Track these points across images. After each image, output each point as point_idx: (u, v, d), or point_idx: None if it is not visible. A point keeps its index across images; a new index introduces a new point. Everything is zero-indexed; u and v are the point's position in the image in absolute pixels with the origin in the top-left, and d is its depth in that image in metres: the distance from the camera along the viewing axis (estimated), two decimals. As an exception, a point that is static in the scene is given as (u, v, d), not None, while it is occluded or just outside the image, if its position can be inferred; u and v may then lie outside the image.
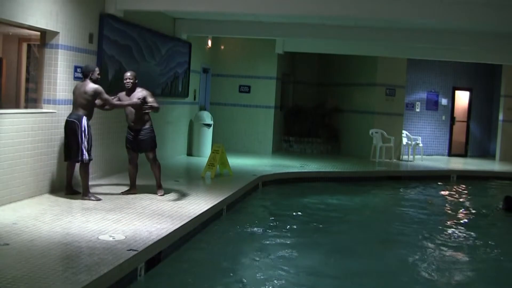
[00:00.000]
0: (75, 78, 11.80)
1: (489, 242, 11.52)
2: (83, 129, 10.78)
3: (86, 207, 10.18)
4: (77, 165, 11.06)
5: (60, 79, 11.33)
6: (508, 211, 14.43)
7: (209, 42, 20.97)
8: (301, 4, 12.99)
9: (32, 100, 11.37)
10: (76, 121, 10.79)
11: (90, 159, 10.96)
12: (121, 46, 13.59)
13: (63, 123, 11.21)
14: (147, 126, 11.68)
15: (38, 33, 11.18)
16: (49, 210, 9.79)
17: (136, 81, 11.65)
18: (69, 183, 11.26)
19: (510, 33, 16.78)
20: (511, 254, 10.95)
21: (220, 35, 20.39)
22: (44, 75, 11.27)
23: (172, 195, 11.78)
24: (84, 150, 10.82)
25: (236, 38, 21.70)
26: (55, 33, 11.16)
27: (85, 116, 10.87)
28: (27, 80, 12.51)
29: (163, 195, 11.71)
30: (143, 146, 11.66)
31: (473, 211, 14.98)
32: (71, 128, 10.82)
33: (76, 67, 11.82)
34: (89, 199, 10.90)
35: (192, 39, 18.42)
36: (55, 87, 11.27)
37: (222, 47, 22.14)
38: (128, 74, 11.64)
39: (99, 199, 10.97)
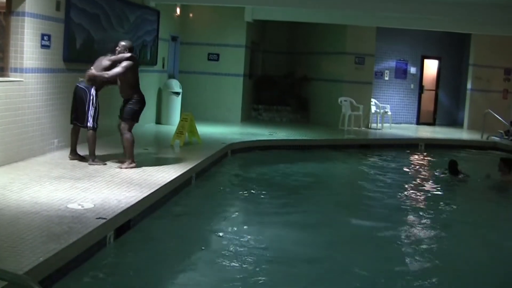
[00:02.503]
0: (42, 46, 11.70)
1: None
2: (91, 97, 11.25)
3: (54, 176, 10.14)
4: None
5: (27, 47, 11.21)
6: (453, 174, 14.70)
7: (178, 10, 20.86)
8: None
9: (-1, 68, 11.27)
10: (85, 89, 11.27)
11: (95, 127, 11.38)
12: (89, 15, 13.47)
13: (31, 92, 11.20)
14: (132, 98, 11.47)
15: (4, 0, 11.03)
16: (17, 179, 9.74)
17: (119, 49, 11.48)
18: (73, 148, 11.79)
19: (479, 2, 16.86)
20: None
21: (188, 3, 20.31)
22: (10, 43, 11.13)
23: (141, 163, 11.74)
24: (90, 118, 11.30)
25: (205, 6, 21.57)
26: (21, 1, 11.02)
27: (94, 85, 11.29)
28: (-6, 48, 12.39)
29: (121, 168, 11.33)
30: (122, 115, 11.62)
31: (428, 177, 15.27)
32: (79, 95, 11.34)
33: (43, 35, 11.71)
34: (96, 164, 11.32)
35: (160, 7, 18.30)
36: (21, 55, 11.15)
37: (191, 15, 22.01)
38: (122, 43, 11.64)
39: (105, 164, 11.44)
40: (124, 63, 11.28)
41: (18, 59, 11.16)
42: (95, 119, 11.36)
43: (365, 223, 10.39)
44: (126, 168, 11.27)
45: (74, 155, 11.77)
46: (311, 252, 8.50)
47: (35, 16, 11.36)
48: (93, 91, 11.29)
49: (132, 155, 11.48)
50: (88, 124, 11.33)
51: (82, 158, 11.69)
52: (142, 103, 11.61)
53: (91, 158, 11.43)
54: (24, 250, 6.37)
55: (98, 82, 11.46)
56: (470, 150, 20.08)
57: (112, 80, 11.45)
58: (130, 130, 11.48)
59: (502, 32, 21.67)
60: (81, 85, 11.34)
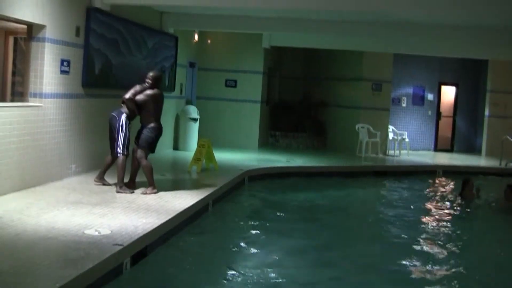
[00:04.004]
0: (62, 71, 11.78)
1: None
2: (120, 123, 11.30)
3: (72, 201, 10.16)
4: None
5: (46, 72, 11.29)
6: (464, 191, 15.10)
7: (196, 36, 20.94)
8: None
9: (18, 93, 11.35)
10: (116, 116, 11.36)
11: (124, 153, 11.40)
12: (107, 40, 13.55)
13: (50, 117, 11.28)
14: (150, 125, 11.58)
15: (25, 26, 11.13)
16: (35, 204, 9.77)
17: (151, 82, 11.66)
18: (102, 171, 11.96)
19: (496, 27, 16.82)
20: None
21: (206, 29, 20.35)
22: (30, 68, 11.23)
23: (158, 189, 11.72)
24: (120, 144, 11.36)
25: (223, 32, 21.65)
26: (41, 26, 11.12)
27: (126, 114, 11.39)
28: (14, 73, 12.48)
29: (146, 194, 11.40)
30: (138, 141, 11.67)
31: (445, 204, 15.13)
32: (111, 123, 11.42)
33: (62, 61, 11.79)
34: (123, 192, 11.30)
35: (178, 33, 18.40)
36: (41, 80, 11.23)
37: (209, 41, 22.10)
38: (150, 74, 11.81)
39: (132, 192, 11.39)
40: (149, 92, 11.52)
41: (37, 84, 11.23)
42: (124, 145, 11.39)
43: (384, 251, 10.32)
44: (149, 193, 11.35)
45: (100, 179, 11.89)
46: (331, 281, 8.43)
47: (55, 41, 11.45)
48: (123, 118, 11.34)
49: (152, 181, 11.53)
50: (118, 150, 11.36)
51: (106, 184, 11.80)
52: (159, 131, 11.69)
53: (119, 185, 11.41)
54: (41, 276, 6.36)
55: (130, 109, 11.52)
56: (488, 176, 19.91)
57: (133, 106, 11.46)
58: (146, 157, 11.53)
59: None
60: (113, 113, 11.44)
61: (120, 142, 11.35)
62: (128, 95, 11.42)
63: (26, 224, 8.45)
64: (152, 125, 11.53)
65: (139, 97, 11.44)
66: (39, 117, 11.15)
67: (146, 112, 11.55)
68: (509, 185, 14.75)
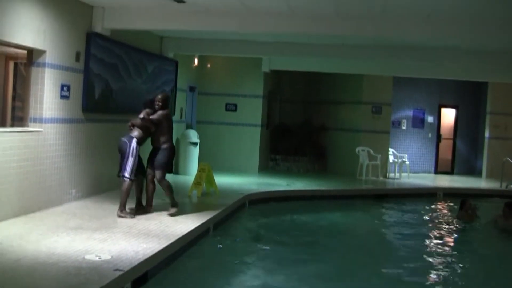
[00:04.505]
0: (62, 96, 11.80)
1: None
2: (131, 149, 11.34)
3: (72, 226, 10.13)
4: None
5: (46, 97, 11.31)
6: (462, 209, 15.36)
7: (196, 60, 21.00)
8: (287, 22, 13.01)
9: (19, 118, 11.35)
10: (126, 141, 11.38)
11: (130, 178, 11.36)
12: (107, 65, 13.58)
13: (50, 142, 11.28)
14: (163, 145, 11.79)
15: (25, 51, 11.16)
16: (35, 229, 9.74)
17: (160, 103, 11.80)
18: (139, 200, 11.93)
19: (495, 50, 16.89)
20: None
21: (206, 53, 20.40)
22: (30, 93, 11.24)
23: (158, 214, 11.70)
24: (128, 168, 11.35)
25: (223, 56, 21.70)
26: (42, 52, 11.15)
27: (136, 138, 11.43)
28: (14, 98, 12.50)
29: (171, 215, 11.81)
30: (152, 164, 11.82)
31: (446, 226, 15.15)
32: (121, 148, 11.45)
33: (62, 86, 11.81)
34: (123, 216, 11.30)
35: (178, 57, 18.44)
36: (41, 105, 11.24)
37: (209, 65, 22.15)
38: (158, 96, 11.94)
39: (133, 217, 11.36)
40: (161, 112, 11.65)
41: (37, 109, 11.24)
42: (132, 171, 11.37)
43: (386, 274, 10.29)
44: (174, 213, 11.82)
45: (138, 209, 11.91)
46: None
47: (55, 66, 11.47)
48: (134, 143, 11.37)
49: (175, 200, 11.99)
50: (126, 175, 11.35)
51: (143, 209, 11.89)
52: (173, 150, 11.97)
53: (120, 209, 11.40)
54: (41, 302, 6.33)
55: (145, 127, 11.65)
56: (489, 198, 19.87)
57: (150, 124, 11.63)
58: (164, 177, 11.71)
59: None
60: (123, 138, 11.47)
61: (129, 166, 11.32)
62: (142, 115, 11.53)
63: (26, 249, 8.42)
64: (166, 145, 11.74)
65: (153, 116, 11.58)
66: (39, 142, 11.15)
67: (159, 133, 11.71)
68: (507, 204, 14.85)
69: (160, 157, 11.68)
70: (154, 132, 11.70)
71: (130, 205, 11.73)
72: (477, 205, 15.67)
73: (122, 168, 11.39)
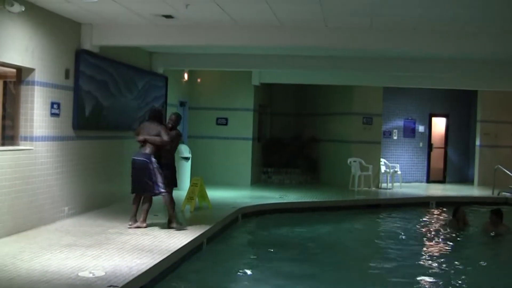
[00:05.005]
0: (52, 114, 11.79)
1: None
2: (155, 165, 11.77)
3: (65, 244, 10.10)
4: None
5: (36, 115, 11.29)
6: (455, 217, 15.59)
7: (186, 75, 21.03)
8: (277, 35, 13.05)
9: (9, 137, 11.31)
10: (146, 160, 11.70)
11: (166, 191, 12.00)
12: (97, 82, 13.58)
13: (41, 160, 11.27)
14: (171, 162, 12.51)
15: (14, 70, 11.14)
16: (27, 248, 9.71)
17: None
18: (134, 214, 12.08)
19: (484, 59, 16.97)
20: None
21: (196, 68, 20.43)
22: (20, 112, 11.23)
23: (152, 230, 11.70)
24: (161, 184, 11.80)
25: (213, 71, 21.74)
26: (31, 70, 11.15)
27: (153, 154, 11.78)
28: (4, 117, 12.43)
29: (179, 229, 12.04)
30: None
31: (439, 235, 15.19)
32: (141, 167, 11.78)
33: (52, 103, 11.80)
34: (180, 228, 11.97)
35: (168, 73, 18.45)
36: (31, 123, 11.22)
37: (199, 80, 22.17)
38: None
39: (185, 228, 12.01)
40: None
41: (28, 128, 11.23)
42: (164, 183, 11.83)
43: (380, 283, 10.30)
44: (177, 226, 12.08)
45: (134, 222, 12.02)
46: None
47: (44, 84, 11.47)
48: (153, 160, 11.73)
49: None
50: (161, 190, 11.81)
51: (137, 226, 11.98)
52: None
53: (173, 221, 12.10)
54: (36, 320, 6.31)
55: (152, 144, 11.89)
56: (481, 206, 19.90)
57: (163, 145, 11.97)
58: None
59: (508, 88, 21.73)
60: (140, 158, 11.75)
61: (160, 182, 11.74)
62: (167, 137, 11.84)
63: (20, 268, 8.40)
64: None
65: (166, 137, 11.90)
66: (31, 160, 11.13)
67: (168, 151, 12.21)
68: (493, 211, 15.14)
69: (170, 174, 12.21)
70: (163, 149, 11.99)
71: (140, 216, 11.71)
72: (467, 213, 15.80)
73: (153, 186, 11.76)
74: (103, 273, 8.24)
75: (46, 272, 8.23)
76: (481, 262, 12.32)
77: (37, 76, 11.27)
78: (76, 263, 8.78)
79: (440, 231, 15.65)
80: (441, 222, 17.02)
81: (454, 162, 26.92)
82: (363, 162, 22.38)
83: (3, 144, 11.66)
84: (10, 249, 9.58)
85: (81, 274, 8.17)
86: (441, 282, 10.48)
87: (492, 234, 14.78)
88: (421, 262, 12.18)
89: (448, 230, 15.36)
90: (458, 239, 14.77)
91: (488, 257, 13.39)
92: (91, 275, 8.14)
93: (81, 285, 7.60)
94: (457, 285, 10.35)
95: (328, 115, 24.32)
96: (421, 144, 26.18)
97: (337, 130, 23.81)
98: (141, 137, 11.83)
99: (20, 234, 10.66)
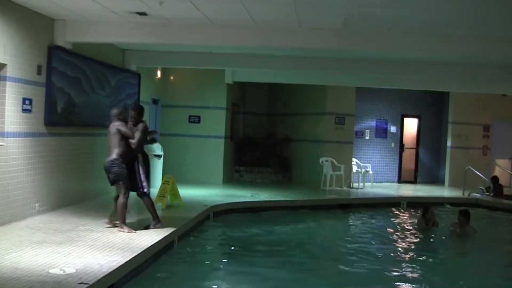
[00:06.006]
0: (24, 110, 11.72)
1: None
2: (138, 165, 11.81)
3: (36, 240, 10.05)
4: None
5: (8, 111, 11.22)
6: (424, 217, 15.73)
7: (159, 73, 20.99)
8: (251, 35, 13.08)
9: (-20, 133, 11.25)
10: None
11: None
12: (70, 78, 13.52)
13: (12, 156, 11.21)
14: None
15: (-15, 65, 11.08)
16: (-2, 244, 9.67)
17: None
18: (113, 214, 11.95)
19: (456, 62, 17.13)
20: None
21: (169, 66, 20.40)
22: (-8, 107, 11.16)
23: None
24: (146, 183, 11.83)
25: (186, 69, 21.70)
26: (2, 65, 11.07)
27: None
28: (-25, 113, 12.39)
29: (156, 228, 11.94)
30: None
31: (410, 234, 15.34)
32: (140, 161, 11.89)
33: (24, 99, 11.73)
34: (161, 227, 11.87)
35: (141, 70, 18.41)
36: (3, 119, 11.15)
37: (172, 78, 22.14)
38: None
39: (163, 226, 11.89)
40: (140, 126, 11.86)
41: (-1, 124, 11.16)
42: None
43: (349, 282, 10.37)
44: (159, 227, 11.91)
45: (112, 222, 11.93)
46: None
47: (16, 80, 11.39)
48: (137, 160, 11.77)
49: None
50: (146, 190, 11.79)
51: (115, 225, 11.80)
52: None
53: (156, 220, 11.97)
54: (5, 317, 6.28)
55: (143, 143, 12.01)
56: (451, 207, 20.07)
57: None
58: None
59: (480, 90, 21.95)
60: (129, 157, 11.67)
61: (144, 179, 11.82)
62: (138, 137, 11.70)
63: (-11, 265, 8.36)
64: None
65: (140, 134, 11.77)
66: (1, 156, 11.06)
67: (141, 146, 11.95)
68: (461, 212, 15.38)
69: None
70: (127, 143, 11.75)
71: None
72: (436, 213, 16.00)
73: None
74: (74, 270, 8.22)
75: (16, 269, 8.19)
76: (447, 262, 12.49)
77: (9, 71, 11.19)
78: (47, 260, 8.75)
79: (409, 230, 15.77)
80: (412, 222, 17.14)
81: (426, 162, 27.11)
82: (335, 161, 22.47)
83: (-26, 140, 11.60)
84: (-20, 245, 9.53)
85: (51, 271, 8.14)
86: (407, 279, 10.58)
87: (458, 231, 15.02)
88: (389, 260, 12.34)
89: (417, 230, 15.51)
90: (425, 238, 14.93)
91: (454, 257, 13.61)
92: (61, 272, 8.11)
93: (52, 282, 7.58)
94: (423, 281, 10.47)
95: (301, 114, 24.38)
96: (393, 145, 26.32)
97: (309, 130, 23.89)
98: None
99: (-10, 231, 10.61)
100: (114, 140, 11.46)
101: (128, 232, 11.24)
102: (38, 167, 12.47)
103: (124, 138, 11.52)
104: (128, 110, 12.44)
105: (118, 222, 11.61)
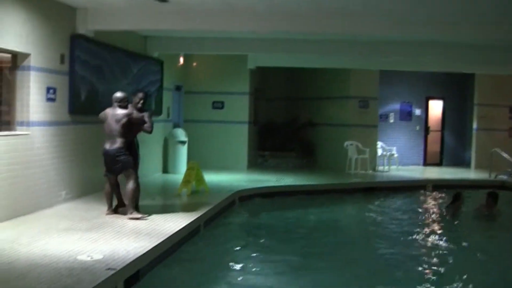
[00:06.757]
0: (48, 99, 11.78)
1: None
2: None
3: (63, 228, 10.12)
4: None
5: (32, 100, 11.29)
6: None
7: (181, 60, 21.00)
8: (270, 21, 13.06)
9: (5, 122, 11.30)
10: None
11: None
12: (92, 66, 13.56)
13: (38, 145, 11.28)
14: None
15: (9, 55, 11.12)
16: (26, 232, 9.73)
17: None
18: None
19: (480, 44, 16.98)
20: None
21: (191, 52, 20.42)
22: (16, 97, 11.21)
23: (149, 213, 11.67)
24: None
25: (208, 55, 21.67)
26: (26, 55, 11.13)
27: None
28: (0, 102, 12.45)
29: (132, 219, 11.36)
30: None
31: (436, 218, 15.34)
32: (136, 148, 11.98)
33: (48, 88, 11.79)
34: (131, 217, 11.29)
35: (164, 57, 18.43)
36: (27, 108, 11.22)
37: (194, 64, 22.14)
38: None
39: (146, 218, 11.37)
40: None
41: (24, 113, 11.22)
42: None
43: (378, 267, 10.33)
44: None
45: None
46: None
47: (40, 70, 11.45)
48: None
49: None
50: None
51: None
52: None
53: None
54: (34, 303, 6.33)
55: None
56: (478, 189, 19.90)
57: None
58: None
59: (505, 71, 21.78)
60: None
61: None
62: (151, 124, 11.70)
63: (19, 252, 8.42)
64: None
65: (149, 120, 11.71)
66: (27, 145, 11.14)
67: (134, 133, 11.74)
68: (489, 193, 15.26)
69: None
70: (134, 130, 11.75)
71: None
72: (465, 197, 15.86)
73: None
74: (101, 257, 8.26)
75: (44, 256, 8.25)
76: (481, 246, 12.34)
77: (33, 61, 11.25)
78: (74, 247, 8.80)
79: (437, 214, 15.69)
80: (439, 205, 17.04)
81: (451, 145, 26.96)
82: (359, 145, 22.42)
83: (-1, 130, 11.68)
84: (8, 233, 9.60)
85: (79, 257, 8.19)
86: (436, 265, 10.52)
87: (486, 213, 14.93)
88: (418, 246, 12.19)
89: (446, 214, 15.34)
90: (456, 223, 14.77)
91: (486, 240, 13.37)
92: (89, 258, 8.16)
93: (80, 268, 7.63)
94: (453, 267, 10.40)
95: (324, 99, 24.32)
96: (417, 127, 26.22)
97: (333, 114, 23.84)
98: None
99: (18, 219, 10.67)
100: (120, 127, 11.21)
101: (141, 217, 11.21)
102: (63, 155, 12.54)
103: (132, 125, 11.42)
104: (147, 96, 12.29)
105: (121, 209, 11.65)
